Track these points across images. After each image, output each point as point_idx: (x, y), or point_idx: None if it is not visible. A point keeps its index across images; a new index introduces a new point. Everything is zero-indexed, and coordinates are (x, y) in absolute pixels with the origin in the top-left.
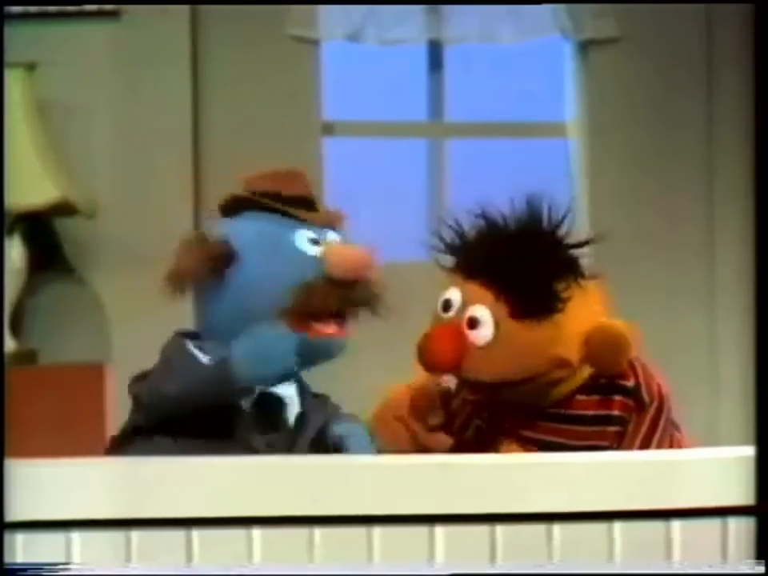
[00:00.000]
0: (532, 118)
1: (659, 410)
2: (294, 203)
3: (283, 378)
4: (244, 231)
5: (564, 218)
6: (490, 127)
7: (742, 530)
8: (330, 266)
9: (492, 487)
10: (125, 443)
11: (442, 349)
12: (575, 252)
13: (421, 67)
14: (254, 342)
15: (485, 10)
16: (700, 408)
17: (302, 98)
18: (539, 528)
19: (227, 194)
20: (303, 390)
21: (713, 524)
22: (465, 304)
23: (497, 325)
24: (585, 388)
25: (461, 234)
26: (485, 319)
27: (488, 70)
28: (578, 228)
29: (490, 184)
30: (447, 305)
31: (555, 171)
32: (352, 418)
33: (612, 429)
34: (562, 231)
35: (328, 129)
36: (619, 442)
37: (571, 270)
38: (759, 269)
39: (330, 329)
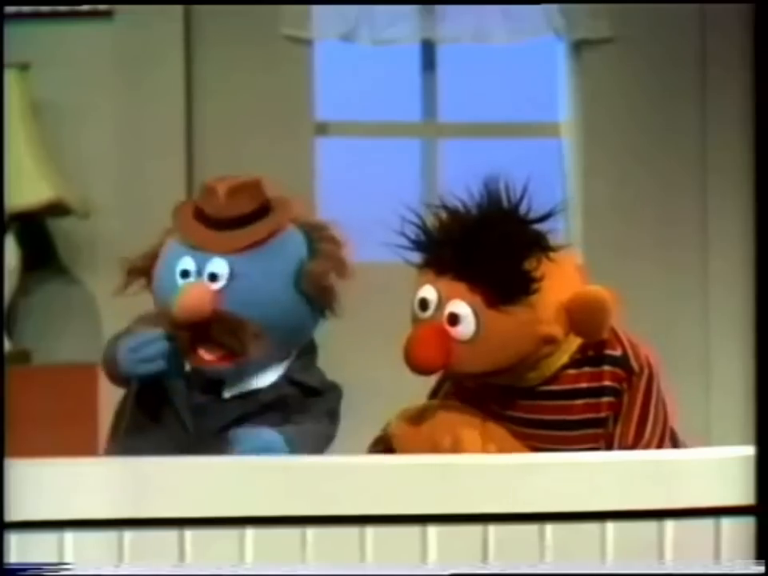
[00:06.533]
0: (525, 118)
1: (650, 378)
2: (205, 222)
3: (157, 375)
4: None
5: (523, 194)
6: (483, 127)
7: (735, 530)
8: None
9: (484, 487)
10: None
11: (427, 351)
12: (540, 227)
13: (414, 67)
14: (128, 342)
15: (478, 10)
16: (694, 408)
17: (295, 97)
18: (532, 528)
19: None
20: (291, 383)
21: (706, 524)
22: (441, 301)
23: (477, 317)
24: (573, 362)
25: (424, 230)
26: (464, 314)
27: (481, 70)
28: (539, 203)
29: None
30: (424, 304)
31: (549, 171)
32: (284, 430)
33: (605, 400)
34: (523, 209)
35: (321, 129)
36: (616, 413)
37: (539, 246)
38: (757, 270)
39: (208, 357)
